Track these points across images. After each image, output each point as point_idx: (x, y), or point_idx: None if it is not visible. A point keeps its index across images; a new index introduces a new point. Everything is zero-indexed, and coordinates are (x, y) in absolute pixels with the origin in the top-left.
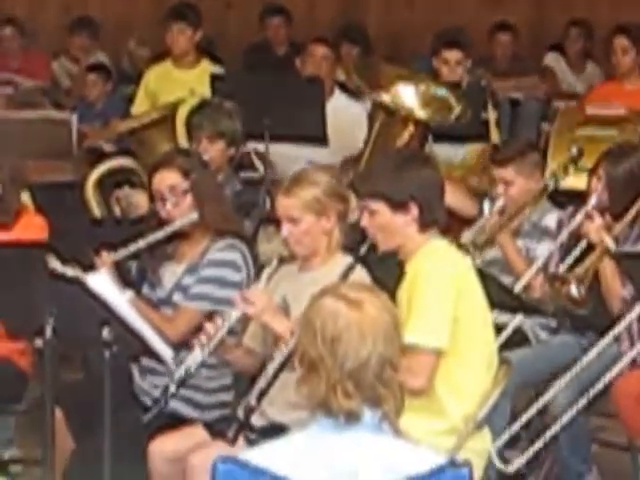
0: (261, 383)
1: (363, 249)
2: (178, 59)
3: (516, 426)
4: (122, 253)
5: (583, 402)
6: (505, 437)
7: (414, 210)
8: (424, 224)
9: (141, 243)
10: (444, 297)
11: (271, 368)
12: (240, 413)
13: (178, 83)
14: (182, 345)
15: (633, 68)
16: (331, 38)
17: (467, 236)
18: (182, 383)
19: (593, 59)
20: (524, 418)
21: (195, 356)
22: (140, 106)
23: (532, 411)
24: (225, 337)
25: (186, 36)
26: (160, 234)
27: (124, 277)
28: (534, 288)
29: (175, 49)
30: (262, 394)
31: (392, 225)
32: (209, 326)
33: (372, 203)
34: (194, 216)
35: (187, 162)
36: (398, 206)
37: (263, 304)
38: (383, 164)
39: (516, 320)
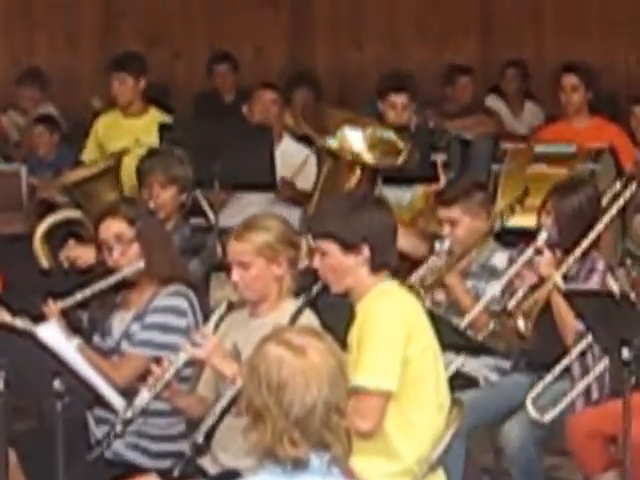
0: (208, 421)
1: (315, 290)
2: (125, 108)
3: None
4: (69, 301)
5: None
6: None
7: (365, 252)
8: (375, 266)
9: (88, 292)
10: (394, 339)
11: (219, 406)
12: (187, 450)
13: (126, 131)
14: (132, 394)
15: (582, 106)
16: (281, 84)
17: (416, 277)
18: (128, 423)
19: (532, 99)
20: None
21: (142, 397)
22: (89, 153)
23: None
24: (173, 380)
25: (128, 86)
26: (106, 283)
27: (74, 326)
28: (480, 327)
29: (119, 99)
30: (209, 432)
31: (343, 266)
32: (156, 368)
33: (324, 244)
34: (140, 264)
35: (132, 210)
36: (349, 247)
37: (212, 347)
38: (336, 205)
39: (457, 361)
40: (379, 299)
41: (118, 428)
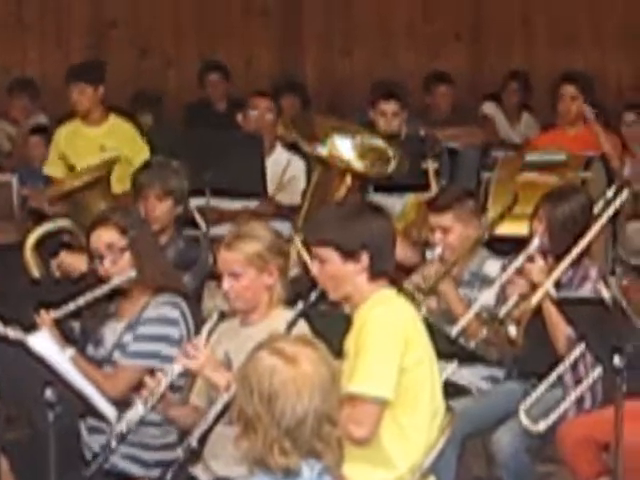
0: (202, 426)
1: (313, 297)
2: (85, 117)
3: None
4: (61, 311)
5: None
6: None
7: (365, 259)
8: (374, 274)
9: (80, 301)
10: (391, 347)
11: (213, 411)
12: (180, 453)
13: (87, 140)
14: (125, 404)
15: (579, 115)
16: (270, 91)
17: (410, 284)
18: (123, 438)
19: (529, 110)
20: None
21: (136, 411)
22: (51, 166)
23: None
24: (167, 392)
25: (87, 95)
26: (97, 292)
27: (66, 336)
28: (472, 334)
29: (79, 108)
30: (203, 436)
31: (342, 273)
32: (150, 381)
33: (323, 251)
34: (132, 274)
35: (124, 219)
36: (349, 255)
37: (204, 358)
38: (335, 213)
39: (449, 369)
40: (377, 307)
41: (113, 444)
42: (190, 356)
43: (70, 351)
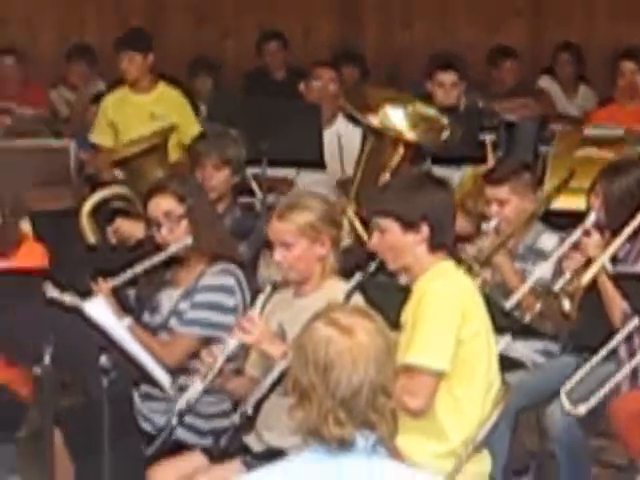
0: (257, 393)
1: (373, 267)
2: (134, 85)
3: None
4: (119, 280)
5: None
6: None
7: (425, 230)
8: (434, 245)
9: (137, 269)
10: (449, 319)
11: (269, 379)
12: (236, 419)
13: (136, 107)
14: (180, 371)
15: (637, 90)
16: (329, 61)
17: (467, 255)
18: (183, 415)
19: (586, 82)
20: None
21: (195, 387)
22: (100, 134)
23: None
24: (224, 366)
25: (136, 63)
26: (155, 259)
27: (122, 304)
28: (527, 308)
29: (128, 76)
30: (259, 403)
31: (402, 244)
32: (207, 356)
33: (383, 221)
34: (188, 241)
35: (182, 187)
36: (409, 226)
37: (260, 332)
38: (397, 183)
39: (502, 342)
40: (436, 279)
41: (174, 421)
42: (246, 330)
43: (127, 320)
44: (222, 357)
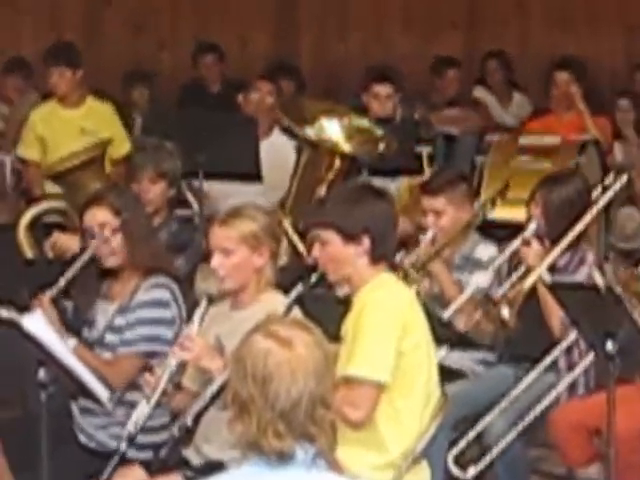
0: (197, 406)
1: (314, 279)
2: (63, 99)
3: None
4: (55, 289)
5: (519, 429)
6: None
7: (366, 242)
8: (375, 257)
9: (69, 274)
10: (390, 331)
11: (208, 391)
12: (175, 431)
13: (65, 122)
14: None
15: (573, 101)
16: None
17: (407, 263)
18: (133, 440)
19: (519, 89)
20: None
21: (142, 409)
22: (28, 148)
23: (469, 437)
24: (167, 387)
25: (66, 78)
26: (77, 264)
27: (62, 317)
28: (464, 317)
29: (57, 91)
30: (198, 415)
31: (343, 256)
32: (150, 378)
33: (324, 233)
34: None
35: (119, 200)
36: (350, 238)
37: (199, 349)
38: (337, 195)
39: (440, 353)
40: (377, 291)
41: (123, 447)
42: (185, 348)
43: (72, 341)
44: (165, 377)
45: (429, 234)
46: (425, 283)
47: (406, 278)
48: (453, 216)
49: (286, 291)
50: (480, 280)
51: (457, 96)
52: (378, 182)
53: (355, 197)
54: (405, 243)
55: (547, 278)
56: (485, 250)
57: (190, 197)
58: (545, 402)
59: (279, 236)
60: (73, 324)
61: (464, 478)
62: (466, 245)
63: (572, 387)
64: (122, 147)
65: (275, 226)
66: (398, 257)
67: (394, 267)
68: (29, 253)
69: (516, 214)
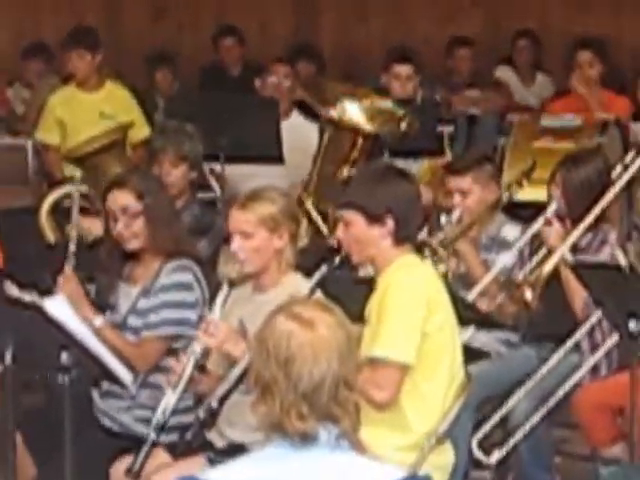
0: (222, 388)
1: (337, 260)
2: (82, 83)
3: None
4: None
5: (543, 411)
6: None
7: (390, 223)
8: (399, 238)
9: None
10: (414, 312)
11: (233, 374)
12: (201, 413)
13: (85, 106)
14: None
15: (596, 81)
16: (285, 57)
17: (434, 241)
18: (163, 429)
19: (543, 70)
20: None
21: (168, 398)
22: (48, 132)
23: (493, 420)
24: (193, 373)
25: (86, 61)
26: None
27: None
28: (489, 298)
29: (77, 74)
30: (223, 398)
31: (367, 237)
32: (176, 365)
33: (348, 214)
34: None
35: (142, 184)
36: (374, 218)
37: (223, 334)
38: (361, 176)
39: (466, 334)
40: (401, 272)
41: (152, 436)
42: (209, 333)
43: (99, 319)
44: (190, 364)
45: (456, 213)
46: (452, 263)
47: (435, 256)
48: (479, 196)
49: (307, 273)
50: (506, 260)
51: (474, 76)
52: (399, 163)
53: (378, 177)
54: (427, 217)
55: (569, 258)
56: (511, 230)
57: (212, 180)
58: (569, 383)
59: (298, 218)
60: (97, 307)
61: (488, 462)
62: (492, 225)
63: (595, 369)
64: (141, 131)
65: (294, 208)
66: (421, 235)
67: (420, 247)
68: (51, 237)
69: (539, 194)
